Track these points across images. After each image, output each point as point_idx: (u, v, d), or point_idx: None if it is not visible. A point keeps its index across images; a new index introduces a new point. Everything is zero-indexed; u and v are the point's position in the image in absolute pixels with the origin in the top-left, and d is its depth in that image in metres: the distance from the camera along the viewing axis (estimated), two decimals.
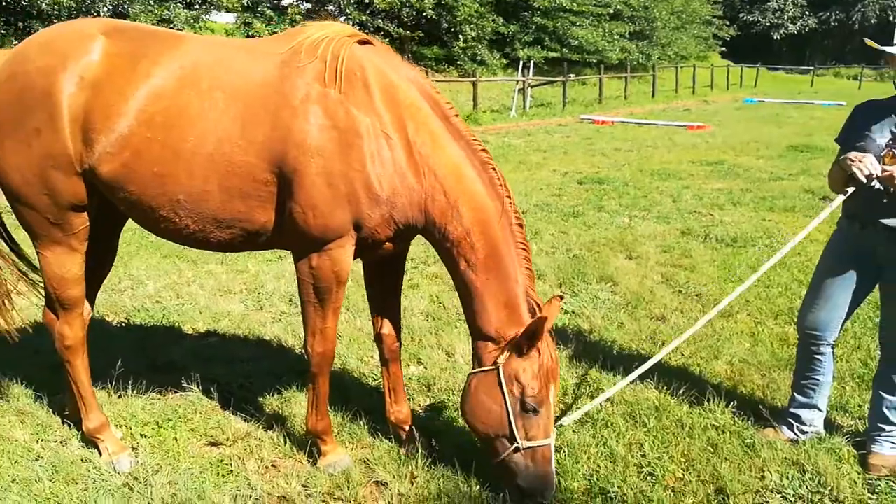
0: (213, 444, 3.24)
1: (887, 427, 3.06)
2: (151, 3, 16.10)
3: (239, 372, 3.92)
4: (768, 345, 4.33)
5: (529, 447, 2.66)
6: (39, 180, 2.71)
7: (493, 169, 2.73)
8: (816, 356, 3.18)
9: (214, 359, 4.10)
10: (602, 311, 4.98)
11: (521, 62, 24.77)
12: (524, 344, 2.64)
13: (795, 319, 4.62)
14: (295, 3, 23.16)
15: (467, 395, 2.78)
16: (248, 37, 19.36)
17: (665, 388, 3.72)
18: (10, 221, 3.36)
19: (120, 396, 3.57)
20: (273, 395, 3.64)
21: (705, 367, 4.06)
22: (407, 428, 3.16)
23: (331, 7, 23.19)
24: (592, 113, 22.51)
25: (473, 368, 2.80)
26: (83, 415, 3.09)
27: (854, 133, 3.06)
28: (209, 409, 3.48)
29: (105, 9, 14.84)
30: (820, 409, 3.26)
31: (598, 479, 2.94)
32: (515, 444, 2.66)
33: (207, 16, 19.03)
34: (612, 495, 2.85)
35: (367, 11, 22.93)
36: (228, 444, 3.21)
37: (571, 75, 26.00)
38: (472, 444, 3.08)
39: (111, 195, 2.77)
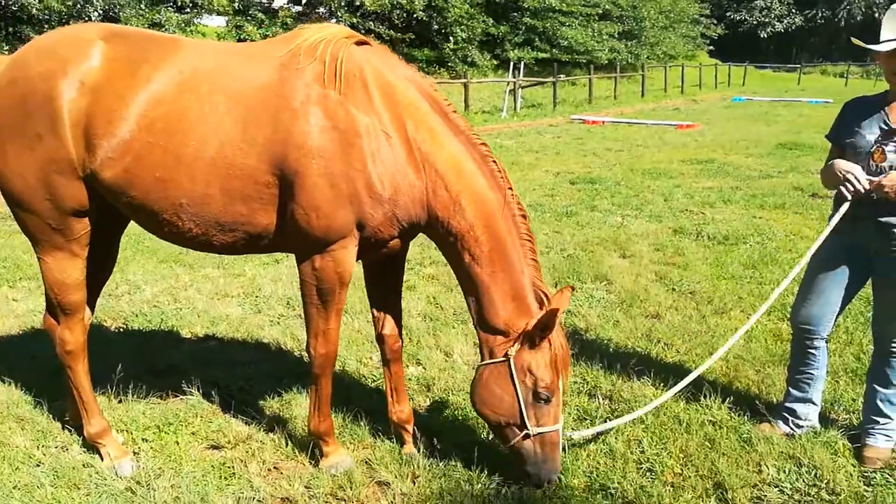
0: (214, 448, 3.25)
1: (881, 420, 3.10)
2: (142, 6, 16.06)
3: (239, 375, 3.94)
4: (762, 341, 4.38)
5: (539, 433, 2.74)
6: (41, 185, 2.72)
7: (494, 162, 2.78)
8: (810, 350, 3.23)
9: (214, 362, 4.11)
10: (597, 309, 5.02)
11: (512, 63, 24.84)
12: (536, 335, 2.70)
13: (788, 315, 4.70)
14: (286, 6, 23.12)
15: (478, 386, 2.83)
16: (239, 40, 19.34)
17: (661, 385, 3.76)
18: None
19: (120, 401, 3.58)
20: (273, 398, 3.66)
21: (700, 364, 4.08)
22: (409, 428, 3.18)
23: (321, 10, 23.17)
24: (583, 113, 22.60)
25: (483, 360, 2.84)
26: (84, 420, 3.09)
27: (844, 129, 3.10)
28: (210, 413, 3.49)
29: (96, 13, 14.77)
30: (815, 403, 3.31)
31: (597, 476, 2.98)
32: (526, 431, 2.74)
33: (199, 19, 18.98)
34: (613, 491, 2.88)
35: (358, 14, 22.92)
36: (230, 447, 3.22)
37: (561, 76, 26.09)
38: (474, 443, 3.11)
39: (114, 200, 2.78)
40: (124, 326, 4.76)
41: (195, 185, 2.66)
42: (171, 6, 17.63)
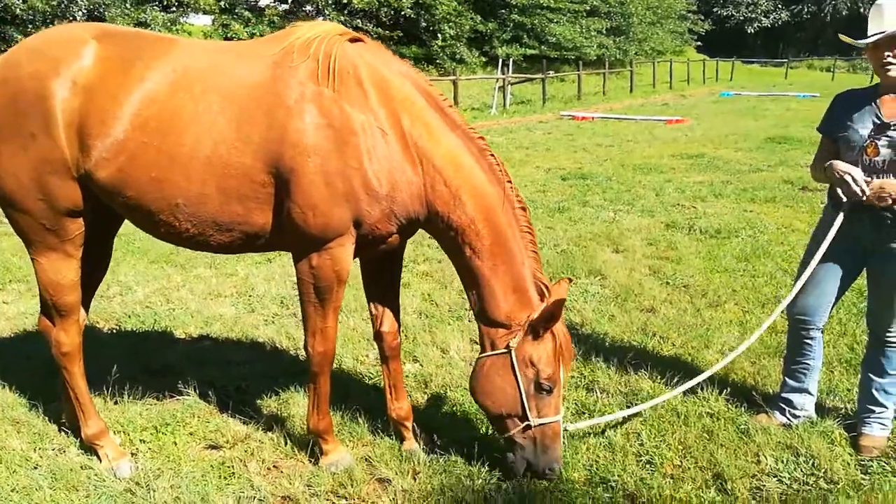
0: (212, 448, 3.23)
1: (877, 409, 3.13)
2: (128, 6, 15.95)
3: (234, 374, 3.92)
4: None
5: (540, 424, 2.76)
6: (35, 185, 2.69)
7: (492, 155, 2.78)
8: (806, 341, 3.25)
9: (209, 362, 4.09)
10: (592, 304, 5.04)
11: (501, 60, 24.86)
12: (541, 326, 2.72)
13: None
14: (272, 4, 23.03)
15: (479, 377, 2.84)
16: (226, 38, 19.24)
17: (659, 377, 3.78)
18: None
19: (116, 402, 3.55)
20: (270, 397, 3.64)
21: (696, 357, 4.12)
22: (409, 424, 3.18)
23: (308, 7, 23.12)
24: (572, 109, 22.63)
25: (483, 352, 2.84)
26: (81, 421, 3.07)
27: (835, 123, 3.10)
28: (207, 413, 3.48)
29: (80, 13, 14.65)
30: (811, 394, 3.34)
31: (597, 469, 2.99)
32: (527, 423, 2.76)
33: (185, 18, 18.87)
34: (613, 484, 2.89)
35: (346, 11, 22.87)
36: (228, 447, 3.21)
37: (550, 72, 26.15)
38: (473, 439, 3.12)
39: (109, 200, 2.76)
40: (117, 327, 4.73)
41: (191, 184, 2.64)
42: (156, 5, 17.53)
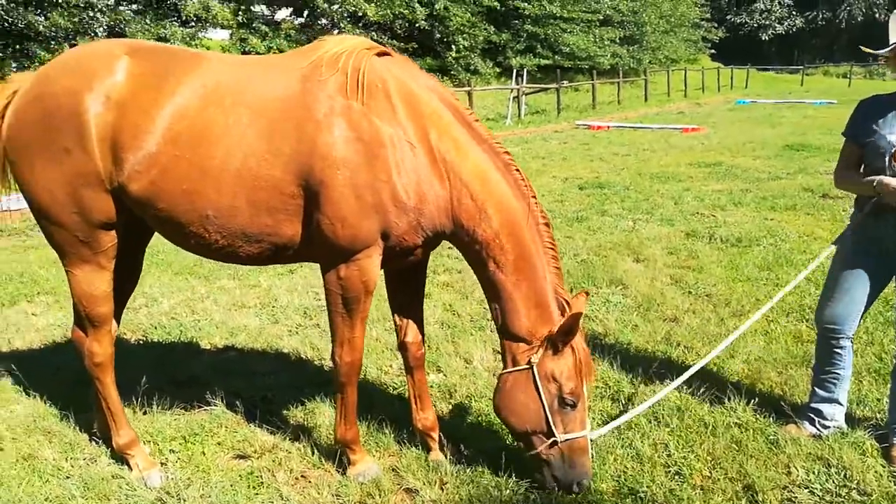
0: (241, 457, 3.26)
1: None
2: (147, 21, 16.21)
3: (260, 385, 3.95)
4: (782, 342, 4.38)
5: (567, 440, 2.74)
6: (70, 199, 2.74)
7: (517, 170, 2.79)
8: (836, 350, 3.22)
9: (235, 373, 4.13)
10: (615, 314, 5.02)
11: (515, 70, 24.94)
12: (559, 341, 2.71)
13: (807, 316, 4.69)
14: (288, 18, 23.28)
15: (501, 394, 2.84)
16: (244, 52, 19.47)
17: (685, 387, 3.74)
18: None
19: (145, 412, 3.59)
20: (296, 407, 3.67)
21: (722, 367, 4.09)
22: (435, 435, 3.18)
23: (324, 21, 23.33)
24: (587, 118, 22.65)
25: (505, 368, 2.84)
26: (113, 431, 3.11)
27: (861, 129, 3.09)
28: (234, 423, 3.50)
29: (101, 29, 14.90)
30: (840, 404, 3.30)
31: (626, 480, 2.97)
32: (553, 439, 2.74)
33: (203, 33, 19.14)
34: (642, 495, 2.87)
35: (360, 24, 23.08)
36: (256, 457, 3.23)
37: (564, 82, 26.20)
38: (500, 449, 3.11)
39: (141, 212, 2.80)
40: (144, 339, 4.79)
41: (221, 196, 2.68)
42: (175, 20, 17.77)
